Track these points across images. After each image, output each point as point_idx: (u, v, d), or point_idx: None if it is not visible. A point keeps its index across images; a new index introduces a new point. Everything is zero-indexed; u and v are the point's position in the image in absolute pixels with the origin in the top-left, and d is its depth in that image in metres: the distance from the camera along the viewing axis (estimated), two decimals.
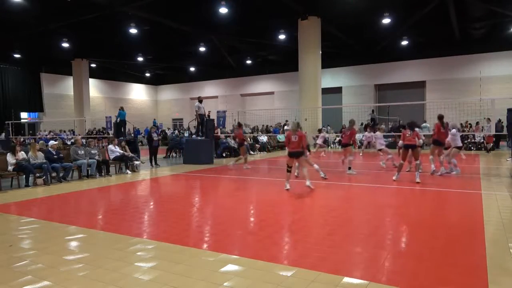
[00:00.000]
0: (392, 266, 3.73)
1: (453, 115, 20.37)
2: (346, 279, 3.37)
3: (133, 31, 21.06)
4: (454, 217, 5.61)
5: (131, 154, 12.38)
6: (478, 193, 7.35)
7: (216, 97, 34.42)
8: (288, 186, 7.99)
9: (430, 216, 5.70)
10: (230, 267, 3.73)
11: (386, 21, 19.57)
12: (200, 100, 15.39)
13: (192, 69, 34.19)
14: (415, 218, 5.69)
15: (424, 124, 21.34)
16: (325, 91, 24.20)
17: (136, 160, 12.50)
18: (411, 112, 23.73)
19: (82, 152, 10.79)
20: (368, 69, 27.35)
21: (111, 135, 17.65)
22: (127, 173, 11.67)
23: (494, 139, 17.96)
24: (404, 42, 24.01)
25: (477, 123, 19.73)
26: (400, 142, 9.77)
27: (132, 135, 21.27)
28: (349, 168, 10.67)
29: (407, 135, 9.21)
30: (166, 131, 30.98)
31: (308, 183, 7.85)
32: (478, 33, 22.74)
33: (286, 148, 8.14)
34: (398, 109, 23.28)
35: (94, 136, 24.56)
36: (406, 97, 23.69)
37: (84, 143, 11.69)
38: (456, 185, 8.41)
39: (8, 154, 9.42)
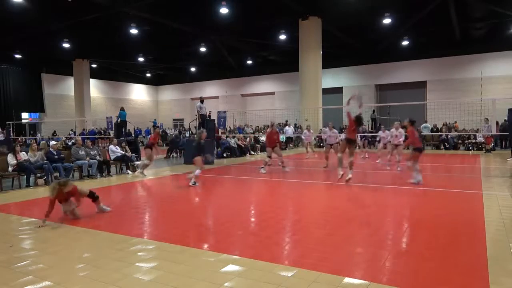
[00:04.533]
0: (393, 266, 3.73)
1: (454, 115, 20.41)
2: (347, 280, 3.37)
3: (134, 31, 21.08)
4: (455, 217, 5.60)
5: (131, 154, 12.39)
6: (479, 193, 7.34)
7: (216, 97, 34.42)
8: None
9: (431, 216, 5.69)
10: (231, 267, 3.73)
11: (386, 21, 19.57)
12: (202, 100, 15.40)
13: (192, 69, 34.22)
14: (415, 218, 5.68)
15: (424, 124, 21.37)
16: (326, 91, 24.19)
17: (137, 160, 12.52)
18: (411, 112, 23.73)
19: (83, 152, 10.79)
20: (369, 69, 27.33)
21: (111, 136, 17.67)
22: (127, 173, 11.68)
23: (493, 139, 17.90)
24: (405, 42, 24.01)
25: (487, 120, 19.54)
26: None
27: (133, 135, 21.24)
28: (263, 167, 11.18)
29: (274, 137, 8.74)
30: (167, 131, 30.99)
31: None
32: (479, 33, 22.72)
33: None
34: (399, 109, 23.26)
35: (101, 136, 24.62)
36: (406, 97, 23.65)
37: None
38: (457, 185, 8.40)
39: (9, 155, 9.42)
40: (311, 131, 17.19)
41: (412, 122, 8.64)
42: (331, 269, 3.61)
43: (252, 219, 5.91)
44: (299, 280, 3.39)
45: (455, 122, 21.24)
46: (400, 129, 11.78)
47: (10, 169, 9.24)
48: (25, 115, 30.41)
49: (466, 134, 19.50)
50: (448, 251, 4.09)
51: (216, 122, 16.91)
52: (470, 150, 18.71)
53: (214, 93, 34.78)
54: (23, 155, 9.53)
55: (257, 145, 19.65)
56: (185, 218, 5.92)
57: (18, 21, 19.33)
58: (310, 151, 16.39)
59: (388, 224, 5.40)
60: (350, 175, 8.62)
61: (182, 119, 36.82)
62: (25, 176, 9.48)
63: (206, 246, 4.48)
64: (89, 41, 24.62)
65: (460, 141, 19.82)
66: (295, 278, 3.44)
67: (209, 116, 17.74)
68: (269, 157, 11.31)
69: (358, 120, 9.00)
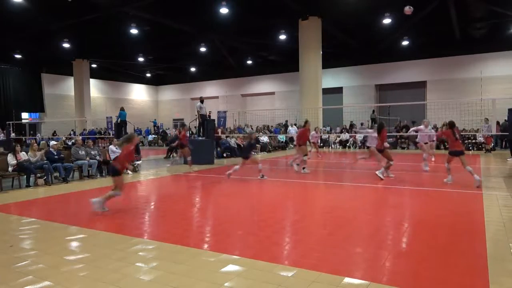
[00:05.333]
0: (392, 267, 3.73)
1: (454, 115, 20.36)
2: (347, 280, 3.37)
3: (134, 31, 21.08)
4: (454, 217, 5.60)
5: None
6: (479, 193, 7.34)
7: (216, 97, 34.41)
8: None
9: (431, 216, 5.69)
10: (231, 267, 3.73)
11: (386, 21, 19.56)
12: (202, 100, 15.39)
13: (192, 69, 34.21)
14: (415, 218, 5.68)
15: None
16: (326, 91, 24.19)
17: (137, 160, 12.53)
18: (411, 112, 23.76)
19: (83, 152, 10.80)
20: (369, 69, 27.33)
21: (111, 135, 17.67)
22: (127, 173, 11.67)
23: (493, 139, 17.87)
24: (405, 42, 24.00)
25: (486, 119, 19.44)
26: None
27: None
28: (303, 168, 10.98)
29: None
30: (166, 131, 30.99)
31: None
32: (479, 33, 22.70)
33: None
34: (399, 109, 23.27)
35: (101, 136, 24.60)
36: (406, 97, 23.66)
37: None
38: (457, 185, 8.40)
39: (9, 154, 9.42)
40: (318, 132, 17.04)
41: (451, 125, 8.74)
42: (331, 269, 3.61)
43: (252, 219, 5.91)
44: (299, 280, 3.39)
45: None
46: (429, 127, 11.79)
47: (10, 169, 9.25)
48: (25, 115, 30.41)
49: (466, 134, 19.45)
50: (448, 251, 4.09)
51: (216, 122, 16.92)
52: (470, 150, 18.70)
53: (214, 93, 34.78)
54: (23, 155, 9.54)
55: (257, 145, 19.64)
56: (185, 218, 5.92)
57: (18, 21, 19.33)
58: (314, 151, 16.30)
59: (388, 224, 5.41)
60: (379, 173, 9.40)
61: (182, 119, 36.81)
62: (25, 176, 9.49)
63: (206, 246, 4.48)
64: (89, 41, 24.63)
65: (460, 141, 19.72)
66: (295, 278, 3.44)
67: (209, 116, 17.74)
68: (306, 155, 11.10)
69: (378, 127, 9.74)
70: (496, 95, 20.24)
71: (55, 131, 29.52)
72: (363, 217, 5.81)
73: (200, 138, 15.30)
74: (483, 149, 17.78)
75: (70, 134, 28.11)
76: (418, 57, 25.22)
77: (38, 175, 9.52)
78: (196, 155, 14.03)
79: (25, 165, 9.29)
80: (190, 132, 27.27)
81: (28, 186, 9.30)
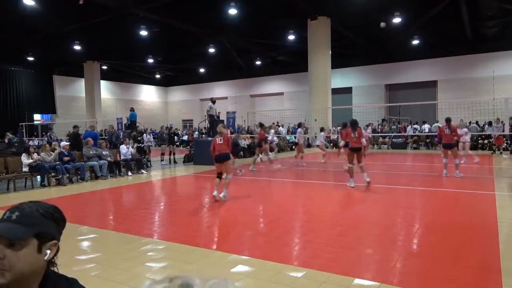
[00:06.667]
0: (403, 268, 3.70)
1: (466, 114, 20.08)
2: (357, 281, 3.35)
3: (144, 33, 21.25)
4: (467, 218, 5.53)
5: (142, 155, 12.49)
6: (492, 194, 7.23)
7: (225, 98, 34.51)
8: (215, 194, 7.11)
9: (443, 217, 5.63)
10: (241, 268, 3.73)
11: (396, 20, 19.39)
12: (214, 101, 15.45)
13: (202, 70, 34.35)
14: (427, 219, 5.62)
15: (435, 124, 21.11)
16: (335, 91, 24.07)
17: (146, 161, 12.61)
18: (422, 112, 23.50)
19: (94, 152, 10.91)
20: (379, 69, 27.11)
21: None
22: (129, 175, 11.66)
23: (504, 139, 17.46)
24: (415, 41, 23.74)
25: (490, 123, 19.19)
26: (342, 143, 9.01)
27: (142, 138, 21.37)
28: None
29: (352, 135, 8.03)
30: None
31: (222, 194, 7.15)
32: (491, 32, 22.37)
33: (212, 154, 7.27)
34: (409, 109, 23.04)
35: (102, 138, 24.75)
36: (417, 97, 23.42)
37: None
38: (469, 186, 8.29)
39: (23, 154, 9.58)
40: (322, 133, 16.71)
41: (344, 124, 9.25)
42: (341, 270, 3.59)
43: (261, 220, 5.91)
44: (309, 281, 3.38)
45: (461, 120, 20.77)
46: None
47: (25, 169, 9.40)
48: (37, 117, 30.86)
49: (483, 134, 18.95)
50: (460, 253, 4.03)
51: (225, 122, 16.93)
52: (492, 151, 17.73)
53: (223, 94, 34.87)
54: (35, 155, 9.70)
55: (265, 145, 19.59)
56: (194, 219, 5.94)
57: (31, 24, 19.65)
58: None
59: (399, 225, 5.36)
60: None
61: (192, 120, 36.97)
62: (38, 176, 9.64)
63: (215, 246, 4.49)
64: (99, 43, 24.92)
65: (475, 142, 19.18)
66: (305, 279, 3.43)
67: (218, 117, 17.77)
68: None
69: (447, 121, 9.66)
70: (509, 94, 19.90)
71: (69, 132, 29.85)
72: (374, 218, 5.77)
73: (209, 138, 15.34)
74: (497, 150, 17.14)
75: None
76: (429, 56, 24.94)
77: (53, 174, 9.69)
78: (205, 156, 14.08)
79: (40, 165, 9.45)
80: (198, 133, 27.39)
81: (43, 185, 9.44)
